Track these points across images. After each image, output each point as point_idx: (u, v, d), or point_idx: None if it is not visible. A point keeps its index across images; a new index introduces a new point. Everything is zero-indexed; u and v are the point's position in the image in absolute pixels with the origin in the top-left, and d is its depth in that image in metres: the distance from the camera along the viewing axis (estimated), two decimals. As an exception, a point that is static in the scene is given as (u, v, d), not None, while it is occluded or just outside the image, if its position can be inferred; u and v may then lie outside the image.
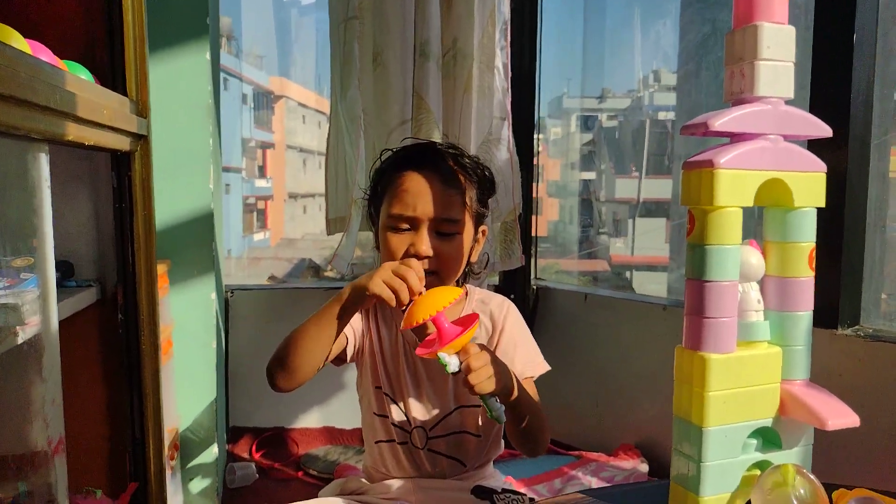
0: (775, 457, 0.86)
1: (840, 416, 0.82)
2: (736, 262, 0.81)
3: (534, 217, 2.11)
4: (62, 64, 0.94)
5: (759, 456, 0.85)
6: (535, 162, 2.08)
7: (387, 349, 1.14)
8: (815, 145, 1.44)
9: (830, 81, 1.42)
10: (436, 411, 1.13)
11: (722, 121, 0.79)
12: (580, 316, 1.95)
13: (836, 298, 1.42)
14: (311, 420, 1.93)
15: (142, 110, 1.12)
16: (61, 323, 0.95)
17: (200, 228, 1.47)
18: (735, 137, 0.83)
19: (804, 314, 0.86)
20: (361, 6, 1.71)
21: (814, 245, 0.86)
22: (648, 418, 1.76)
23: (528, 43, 1.99)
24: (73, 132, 0.82)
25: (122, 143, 1.03)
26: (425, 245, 1.03)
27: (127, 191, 1.10)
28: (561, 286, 2.07)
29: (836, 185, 1.41)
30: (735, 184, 0.79)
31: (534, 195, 2.10)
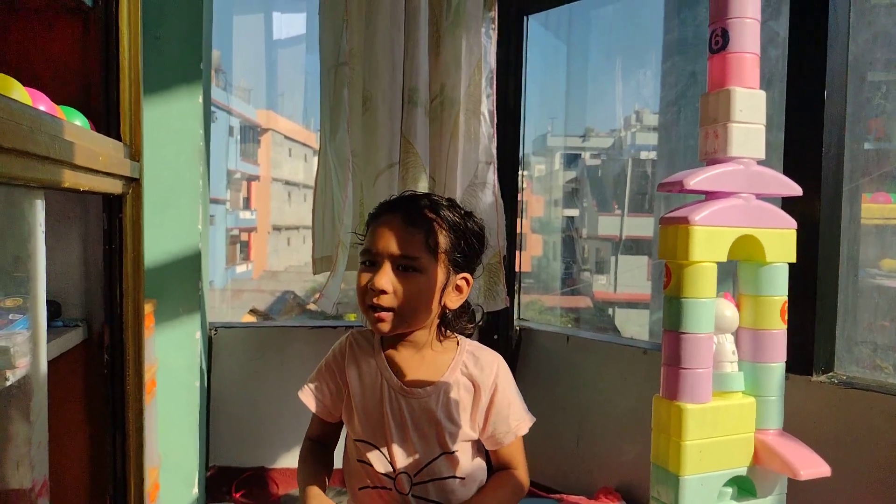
0: (750, 505, 0.88)
1: (812, 466, 0.84)
2: (711, 314, 0.84)
3: (517, 258, 2.14)
4: (59, 111, 0.97)
5: (735, 504, 0.88)
6: (518, 205, 2.12)
7: (369, 398, 1.15)
8: (788, 198, 1.49)
9: (802, 137, 1.47)
10: (420, 457, 1.14)
11: (696, 180, 0.83)
12: (562, 357, 1.97)
13: (810, 346, 1.46)
14: (291, 460, 1.92)
15: (135, 154, 1.14)
16: (48, 363, 0.96)
17: (188, 268, 1.48)
18: (710, 195, 0.87)
19: (777, 365, 0.89)
20: (352, 52, 1.75)
21: (786, 299, 0.89)
22: (629, 461, 1.77)
23: (513, 90, 2.05)
24: (69, 179, 0.84)
25: (115, 187, 1.05)
26: (383, 279, 1.07)
27: (117, 232, 1.11)
28: (544, 327, 2.09)
29: (810, 237, 1.46)
30: (710, 240, 0.82)
31: (517, 237, 2.13)
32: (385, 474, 1.14)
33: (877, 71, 2.04)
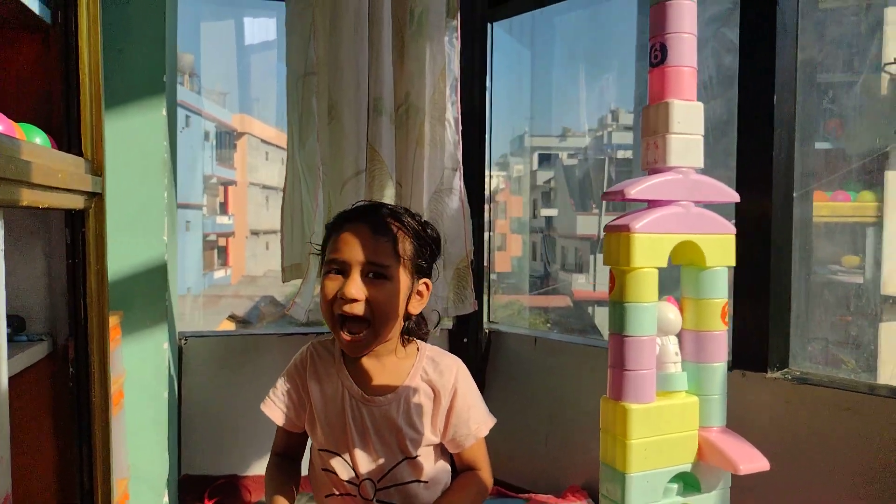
0: (695, 500, 0.92)
1: (751, 461, 0.88)
2: (653, 318, 0.88)
3: (486, 262, 2.17)
4: (18, 128, 0.98)
5: (680, 500, 0.91)
6: (486, 209, 2.15)
7: (331, 408, 1.18)
8: (741, 192, 1.54)
9: (753, 139, 1.52)
10: (383, 463, 1.16)
11: (637, 189, 0.87)
12: (531, 359, 2.00)
13: (764, 344, 1.50)
14: (263, 467, 1.94)
15: (96, 169, 1.15)
16: (12, 377, 0.97)
17: (154, 279, 1.49)
18: (652, 203, 0.90)
19: (719, 365, 0.93)
20: (319, 62, 1.78)
21: (726, 301, 0.93)
22: (595, 460, 1.80)
23: (478, 96, 2.08)
24: (28, 197, 0.86)
25: (76, 202, 1.06)
26: (354, 287, 1.08)
27: (80, 247, 1.13)
28: (513, 330, 2.12)
29: (761, 237, 1.50)
30: (650, 247, 0.86)
31: (486, 242, 2.17)
32: (349, 481, 1.17)
33: (826, 73, 2.10)
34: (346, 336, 1.10)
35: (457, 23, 1.95)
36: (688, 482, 0.93)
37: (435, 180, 1.89)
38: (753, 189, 1.52)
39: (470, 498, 1.19)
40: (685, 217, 0.89)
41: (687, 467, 0.91)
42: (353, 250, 1.10)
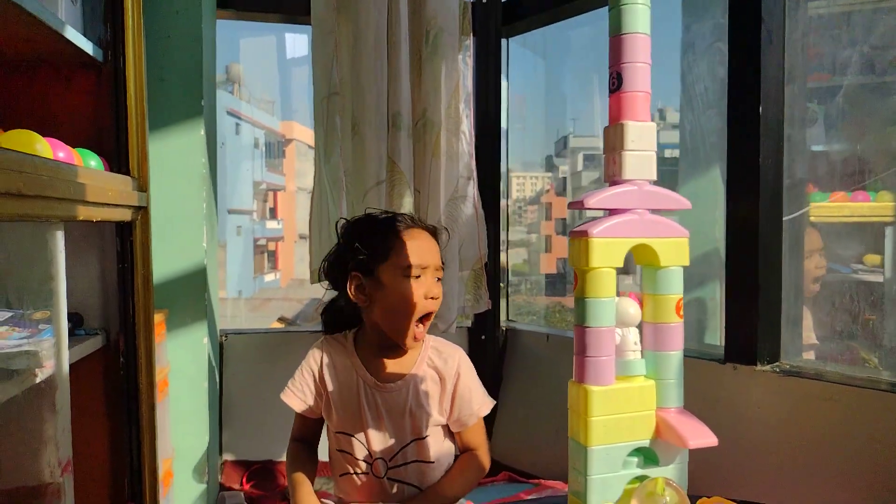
0: (653, 472, 1.03)
1: (700, 437, 0.99)
2: (611, 311, 1.00)
3: (502, 263, 2.31)
4: (76, 153, 1.16)
5: (640, 471, 1.03)
6: (500, 215, 2.28)
7: (346, 395, 1.31)
8: (731, 195, 1.63)
9: (742, 144, 1.62)
10: (394, 443, 1.29)
11: (595, 200, 0.99)
12: (544, 354, 2.12)
13: (753, 338, 1.60)
14: (298, 454, 2.11)
15: (142, 185, 1.33)
16: (72, 365, 1.15)
17: (194, 281, 1.68)
18: (612, 211, 1.03)
19: (675, 353, 1.04)
20: (342, 83, 1.94)
21: (681, 297, 1.04)
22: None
23: (493, 109, 2.21)
24: (84, 213, 1.03)
25: (125, 215, 1.25)
26: (438, 289, 1.26)
27: (129, 254, 1.31)
28: (527, 327, 2.25)
29: (749, 235, 1.60)
30: (607, 249, 0.98)
31: (501, 244, 2.30)
32: (363, 459, 1.30)
33: (817, 75, 2.17)
34: (420, 329, 1.26)
35: (470, 42, 2.09)
36: (647, 456, 1.04)
37: (450, 188, 2.04)
38: (742, 193, 1.62)
39: (470, 477, 1.33)
40: (639, 223, 1.01)
41: (645, 443, 1.03)
42: (430, 256, 1.25)
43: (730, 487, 1.59)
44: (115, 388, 1.34)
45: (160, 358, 1.59)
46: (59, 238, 1.02)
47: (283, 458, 2.12)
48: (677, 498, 0.98)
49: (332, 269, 1.34)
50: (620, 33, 1.00)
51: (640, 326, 1.08)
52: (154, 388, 1.37)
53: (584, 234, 0.98)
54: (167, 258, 1.66)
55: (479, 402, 1.33)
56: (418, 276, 1.24)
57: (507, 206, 2.39)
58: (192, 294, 1.69)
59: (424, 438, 1.30)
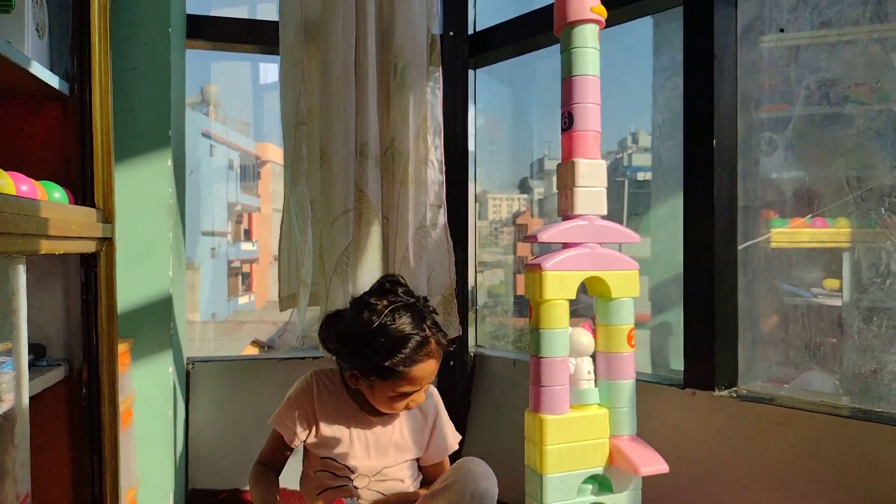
0: (608, 499, 1.07)
1: (651, 464, 1.03)
2: (564, 342, 1.03)
3: (469, 290, 2.34)
4: (39, 186, 1.17)
5: (594, 499, 1.06)
6: (469, 242, 2.31)
7: (336, 427, 1.38)
8: (688, 223, 1.67)
9: (697, 173, 1.67)
10: (376, 467, 1.38)
11: (547, 234, 1.03)
12: (511, 380, 2.15)
13: (711, 363, 1.64)
14: (266, 482, 2.10)
15: (107, 216, 1.34)
16: (34, 396, 1.15)
17: (160, 310, 1.68)
18: (565, 244, 1.07)
19: (627, 382, 1.08)
20: (310, 112, 1.97)
21: (632, 327, 1.08)
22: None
23: (460, 139, 2.25)
24: (46, 247, 1.04)
25: (89, 247, 1.25)
26: (422, 396, 1.34)
27: (93, 284, 1.31)
28: (496, 353, 2.28)
29: (706, 266, 1.65)
30: (559, 282, 1.02)
31: (469, 270, 2.33)
32: (345, 477, 1.37)
33: (766, 107, 2.25)
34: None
35: (439, 73, 2.13)
36: (602, 484, 1.07)
37: (419, 217, 2.07)
38: (698, 221, 1.67)
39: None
40: (591, 256, 1.05)
41: (599, 470, 1.06)
42: (425, 379, 1.31)
43: (689, 511, 1.63)
44: (78, 418, 1.33)
45: (125, 387, 1.58)
46: (21, 272, 1.02)
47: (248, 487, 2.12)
48: (629, 524, 1.01)
49: (338, 346, 1.35)
50: (571, 75, 1.05)
51: (593, 356, 1.12)
52: (117, 417, 1.37)
53: (538, 267, 1.02)
54: (133, 287, 1.66)
55: (451, 437, 1.45)
56: (408, 394, 1.31)
57: (480, 228, 2.43)
58: (157, 323, 1.69)
59: (402, 464, 1.41)
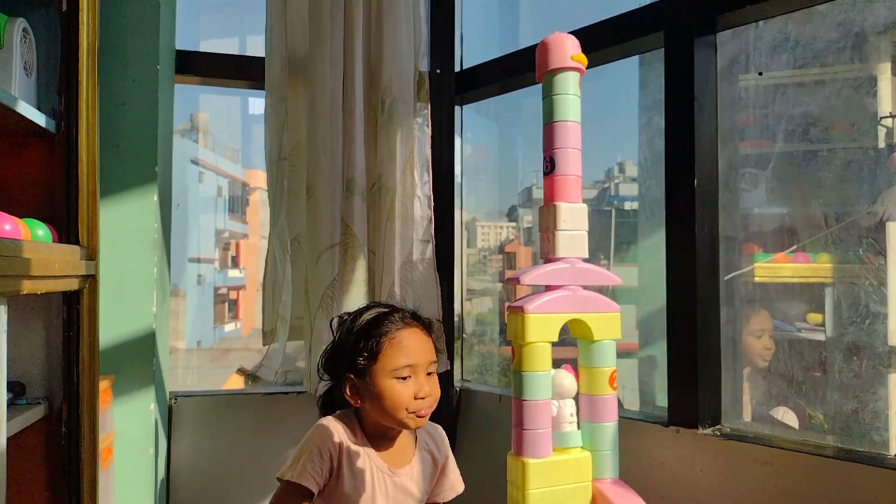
0: (590, 543, 1.06)
1: (633, 508, 1.03)
2: (547, 384, 1.04)
3: (457, 321, 2.34)
4: (23, 224, 1.17)
5: (576, 543, 1.05)
6: (455, 276, 2.32)
7: (359, 478, 1.30)
8: (670, 260, 1.69)
9: (678, 210, 1.69)
10: None
11: (529, 277, 1.04)
12: (496, 415, 2.14)
13: (694, 401, 1.65)
14: (249, 519, 2.08)
15: (91, 254, 1.34)
16: (12, 436, 1.14)
17: (143, 346, 1.68)
18: (547, 287, 1.07)
19: (610, 424, 1.08)
20: (296, 147, 1.99)
21: (614, 369, 1.09)
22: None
23: (446, 174, 2.27)
24: (28, 287, 1.04)
25: (72, 285, 1.25)
26: (428, 386, 1.27)
27: (75, 322, 1.31)
28: (482, 388, 2.27)
29: (688, 305, 1.66)
30: (542, 325, 1.03)
31: (456, 305, 2.33)
32: None
33: (748, 142, 2.29)
34: (415, 422, 1.27)
35: (427, 110, 2.16)
36: (584, 528, 1.07)
37: (405, 251, 2.07)
38: (680, 257, 1.69)
39: None
40: (572, 299, 1.05)
41: (581, 514, 1.06)
42: (419, 354, 1.27)
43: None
44: (57, 457, 1.32)
45: (105, 424, 1.57)
46: (2, 312, 1.02)
47: (232, 524, 2.09)
48: (612, 569, 1.00)
49: (329, 364, 1.36)
50: (553, 121, 1.07)
51: (576, 398, 1.12)
52: (97, 456, 1.35)
53: (521, 309, 1.03)
54: (116, 323, 1.65)
55: (457, 477, 1.44)
56: (407, 377, 1.26)
57: (468, 256, 2.45)
58: (140, 359, 1.68)
59: None
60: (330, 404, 1.40)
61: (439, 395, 1.30)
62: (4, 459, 1.02)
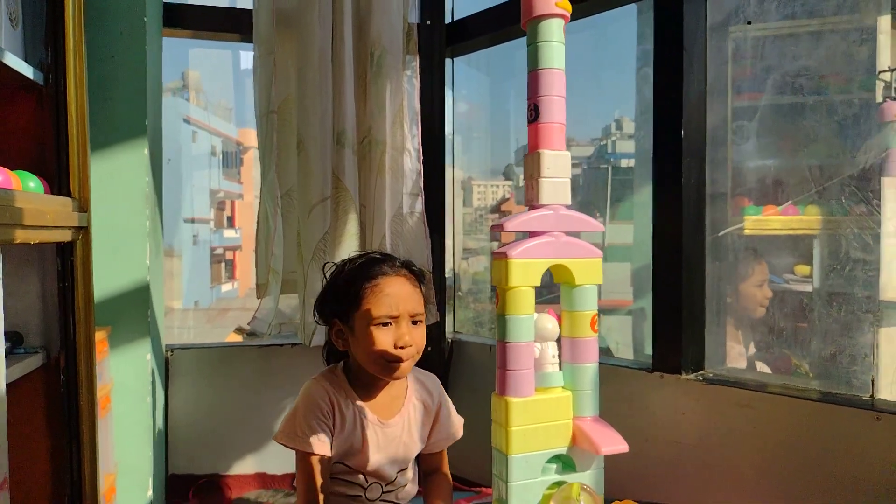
0: (571, 478, 1.11)
1: (612, 444, 1.07)
2: (529, 327, 1.07)
3: (449, 273, 2.37)
4: (14, 176, 1.18)
5: (558, 477, 1.10)
6: (445, 229, 2.34)
7: (350, 431, 1.31)
8: (657, 211, 1.71)
9: (666, 161, 1.71)
10: (389, 471, 1.34)
11: (513, 224, 1.06)
12: (487, 365, 2.19)
13: (678, 347, 1.69)
14: (244, 467, 2.13)
15: (83, 206, 1.36)
16: (11, 384, 1.17)
17: (137, 298, 1.70)
18: (531, 233, 1.10)
19: (590, 365, 1.12)
20: (286, 101, 1.99)
21: (595, 312, 1.12)
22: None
23: (437, 127, 2.28)
24: (21, 236, 1.06)
25: (65, 236, 1.27)
26: (409, 336, 1.25)
27: (69, 273, 1.33)
28: (473, 339, 2.32)
29: (674, 254, 1.69)
30: (524, 270, 1.05)
31: (447, 258, 2.36)
32: (359, 484, 1.34)
33: (750, 94, 2.29)
34: (394, 373, 1.26)
35: (416, 63, 2.15)
36: (565, 463, 1.11)
37: (395, 205, 2.09)
38: (666, 211, 1.71)
39: (450, 495, 1.41)
40: (555, 245, 1.08)
41: (563, 450, 1.10)
42: (402, 304, 1.25)
43: (655, 490, 1.68)
44: (56, 405, 1.35)
45: (103, 374, 1.60)
46: (-3, 261, 1.04)
47: (229, 472, 2.15)
48: (592, 501, 1.05)
49: (320, 311, 1.37)
50: (537, 68, 1.08)
51: (558, 340, 1.15)
52: (95, 404, 1.39)
53: (504, 255, 1.05)
54: (110, 275, 1.68)
55: (455, 424, 1.42)
56: (388, 324, 1.24)
57: (465, 215, 2.46)
58: (135, 310, 1.71)
59: (406, 467, 1.38)
60: (334, 353, 1.40)
61: (423, 345, 1.29)
62: (4, 404, 1.05)
